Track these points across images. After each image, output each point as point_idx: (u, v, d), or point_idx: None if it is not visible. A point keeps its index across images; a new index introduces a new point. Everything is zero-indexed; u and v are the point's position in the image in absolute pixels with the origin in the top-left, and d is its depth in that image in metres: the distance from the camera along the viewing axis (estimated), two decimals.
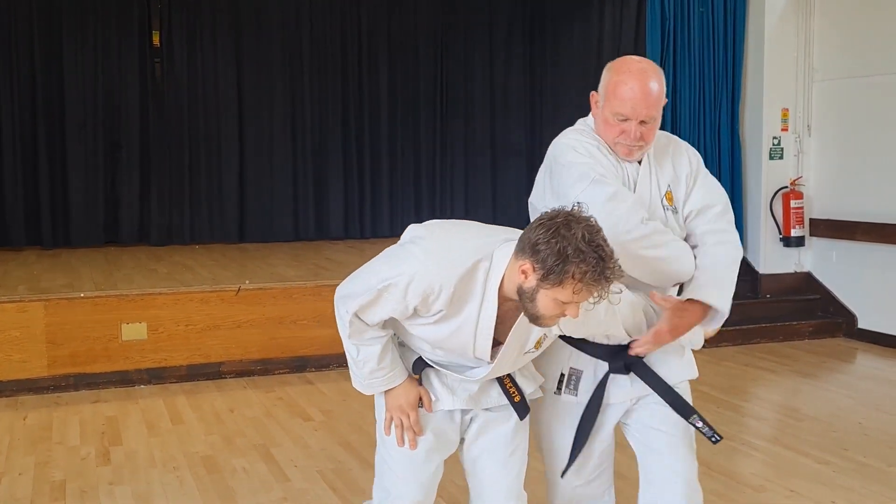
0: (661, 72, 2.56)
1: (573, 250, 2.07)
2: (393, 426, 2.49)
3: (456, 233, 2.39)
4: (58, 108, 9.09)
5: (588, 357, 2.57)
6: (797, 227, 7.62)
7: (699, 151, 8.52)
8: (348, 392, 5.73)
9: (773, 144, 7.69)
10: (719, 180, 8.68)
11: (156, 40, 9.40)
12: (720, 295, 2.49)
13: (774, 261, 7.76)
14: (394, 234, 10.21)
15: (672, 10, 7.64)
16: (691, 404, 2.59)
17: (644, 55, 7.89)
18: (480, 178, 10.79)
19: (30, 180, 9.03)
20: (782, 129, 7.71)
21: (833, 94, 7.58)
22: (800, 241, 7.67)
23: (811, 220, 7.70)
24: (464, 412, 2.53)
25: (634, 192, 2.52)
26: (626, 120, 2.47)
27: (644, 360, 2.55)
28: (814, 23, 7.65)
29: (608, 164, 2.53)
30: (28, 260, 8.00)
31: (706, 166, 8.90)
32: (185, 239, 9.46)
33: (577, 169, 2.49)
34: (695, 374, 2.67)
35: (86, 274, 6.97)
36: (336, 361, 6.37)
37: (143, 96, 9.39)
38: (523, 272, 2.15)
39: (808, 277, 7.83)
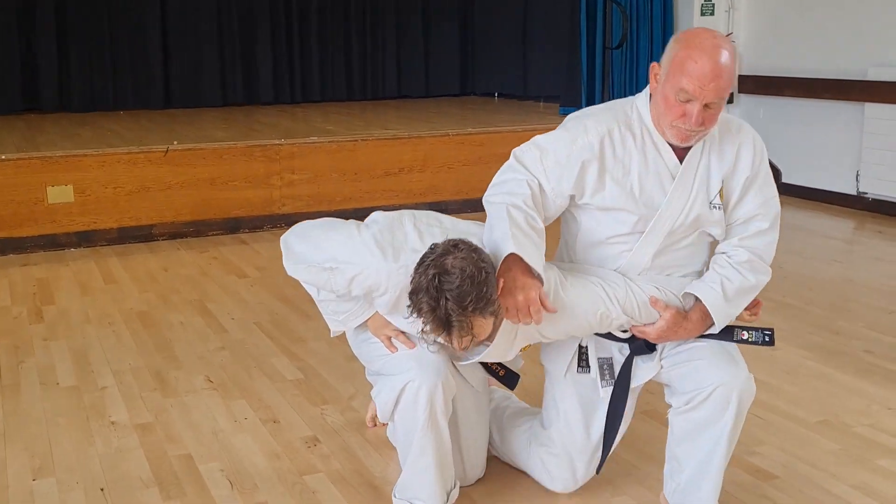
0: (735, 51, 2.31)
1: (422, 284, 2.08)
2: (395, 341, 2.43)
3: (411, 231, 2.30)
4: None
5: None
6: None
7: (631, 7, 8.44)
8: None
9: (705, 0, 7.66)
10: (651, 37, 8.64)
11: None
12: (723, 308, 2.35)
13: None
14: (324, 98, 10.07)
15: None
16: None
17: None
18: (412, 43, 10.57)
19: None
20: None
21: None
22: (729, 99, 7.74)
23: (740, 76, 7.76)
24: None
25: (672, 186, 2.32)
26: (689, 101, 2.21)
27: None
28: None
29: (583, 162, 2.32)
30: None
31: (638, 23, 8.82)
32: (108, 105, 9.15)
33: (534, 146, 2.38)
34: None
35: (6, 138, 6.73)
36: (269, 222, 6.36)
37: None
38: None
39: None
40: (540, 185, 2.34)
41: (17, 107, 8.81)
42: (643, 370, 2.47)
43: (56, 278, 5.16)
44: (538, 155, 2.35)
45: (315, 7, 9.99)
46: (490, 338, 2.23)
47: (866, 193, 6.87)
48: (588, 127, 2.35)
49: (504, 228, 2.21)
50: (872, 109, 6.67)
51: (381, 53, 10.44)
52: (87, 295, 4.81)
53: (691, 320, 2.37)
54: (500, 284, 2.14)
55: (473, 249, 2.11)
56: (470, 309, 2.04)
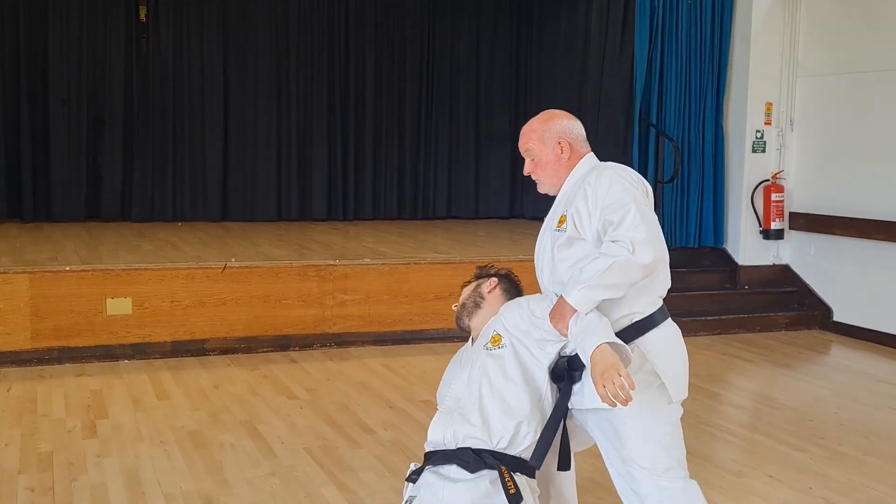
0: (547, 117, 2.86)
1: None
2: None
3: None
4: (41, 81, 9.02)
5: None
6: (777, 220, 7.73)
7: (683, 143, 8.56)
8: (332, 371, 5.80)
9: (756, 138, 7.78)
10: (702, 172, 8.71)
11: (142, 15, 9.35)
12: (568, 286, 2.62)
13: (754, 253, 7.87)
14: (376, 216, 10.27)
15: (661, 2, 7.70)
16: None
17: (632, 47, 8.01)
18: (463, 165, 10.82)
19: (12, 153, 8.98)
20: (765, 123, 7.81)
21: (816, 89, 7.68)
22: (779, 234, 7.78)
23: (791, 213, 7.80)
24: None
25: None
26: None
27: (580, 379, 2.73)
28: (799, 19, 7.74)
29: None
30: (9, 232, 7.96)
31: (690, 158, 8.89)
32: (167, 216, 9.44)
33: None
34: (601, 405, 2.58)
35: (69, 248, 6.95)
36: (319, 341, 6.42)
37: (127, 71, 9.33)
38: None
39: (785, 270, 7.94)
40: None
41: (79, 215, 9.11)
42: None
43: (110, 390, 5.24)
44: None
45: (371, 128, 10.30)
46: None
47: None
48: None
49: None
50: None
51: (433, 175, 10.68)
52: (140, 410, 4.87)
53: (558, 300, 2.66)
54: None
55: None
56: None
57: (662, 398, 2.66)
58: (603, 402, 2.44)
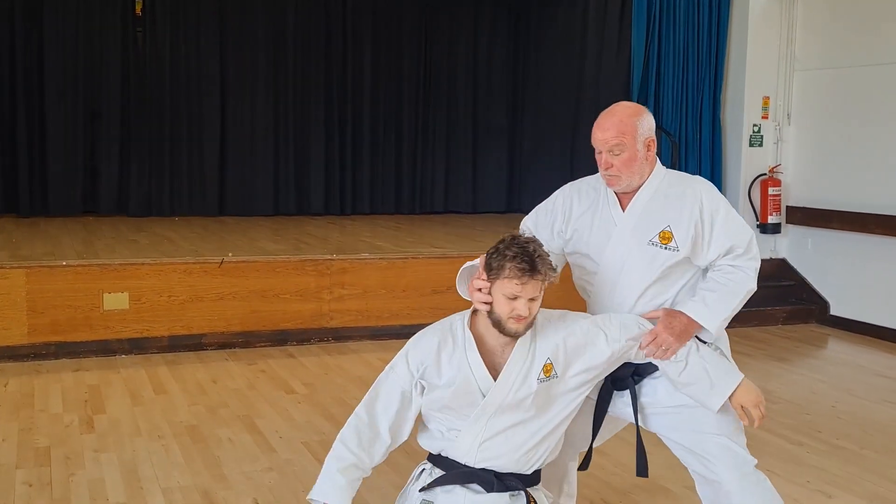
0: (635, 110, 2.77)
1: (503, 245, 2.51)
2: None
3: None
4: (37, 75, 9.00)
5: None
6: (774, 213, 7.74)
7: (680, 137, 8.51)
8: (330, 366, 5.79)
9: (754, 131, 7.78)
10: (699, 165, 8.67)
11: (138, 10, 9.34)
12: (705, 312, 2.70)
13: None
14: (374, 211, 10.25)
15: None
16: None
17: (629, 40, 8.00)
18: (461, 158, 10.82)
19: (8, 147, 8.97)
20: (763, 117, 7.81)
21: (813, 83, 7.68)
22: (776, 228, 7.78)
23: (788, 207, 7.81)
24: None
25: (614, 231, 2.78)
26: (599, 153, 2.76)
27: (640, 384, 2.81)
28: (796, 12, 7.74)
29: (562, 210, 2.90)
30: (5, 227, 7.95)
31: (687, 152, 8.85)
32: (164, 211, 9.43)
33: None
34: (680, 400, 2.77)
35: (66, 243, 6.94)
36: (317, 336, 6.41)
37: (124, 66, 9.32)
38: (479, 287, 2.54)
39: (783, 264, 7.95)
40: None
41: (76, 210, 9.10)
42: (619, 406, 2.84)
43: (107, 385, 5.23)
44: (532, 215, 3.03)
45: (368, 123, 10.30)
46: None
47: None
48: (563, 187, 2.96)
49: None
50: None
51: (431, 169, 10.68)
52: (138, 405, 4.86)
53: (680, 318, 2.69)
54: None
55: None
56: (549, 261, 2.52)
57: None
58: (754, 424, 2.71)
